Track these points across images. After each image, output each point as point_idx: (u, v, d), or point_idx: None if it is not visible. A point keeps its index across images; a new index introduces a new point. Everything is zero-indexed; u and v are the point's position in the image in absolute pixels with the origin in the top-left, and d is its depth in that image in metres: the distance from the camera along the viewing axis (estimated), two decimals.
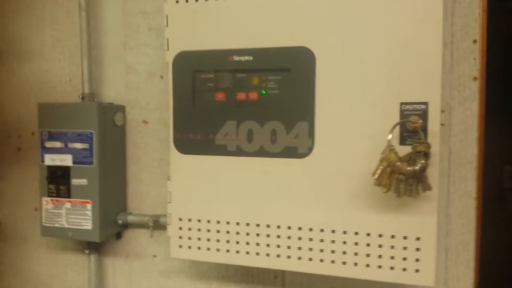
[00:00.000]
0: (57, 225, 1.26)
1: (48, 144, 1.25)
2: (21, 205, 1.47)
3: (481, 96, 1.01)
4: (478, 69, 1.01)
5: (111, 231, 1.29)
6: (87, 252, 1.34)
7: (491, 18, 1.01)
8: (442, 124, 1.05)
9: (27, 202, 1.46)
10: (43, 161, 1.26)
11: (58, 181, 1.24)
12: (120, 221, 1.29)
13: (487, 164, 2.19)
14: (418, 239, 0.91)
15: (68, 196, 1.24)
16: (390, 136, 0.83)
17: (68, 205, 1.24)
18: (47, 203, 1.27)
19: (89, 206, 1.22)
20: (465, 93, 1.03)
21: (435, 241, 0.90)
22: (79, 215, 1.23)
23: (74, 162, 1.22)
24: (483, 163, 1.05)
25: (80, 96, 1.28)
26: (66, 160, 1.23)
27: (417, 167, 0.81)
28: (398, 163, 0.81)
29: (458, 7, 1.02)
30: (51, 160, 1.25)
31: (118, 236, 1.36)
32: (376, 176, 0.82)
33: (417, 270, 0.92)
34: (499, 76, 2.09)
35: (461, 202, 1.06)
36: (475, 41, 1.02)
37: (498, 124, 2.14)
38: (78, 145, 1.21)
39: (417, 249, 0.91)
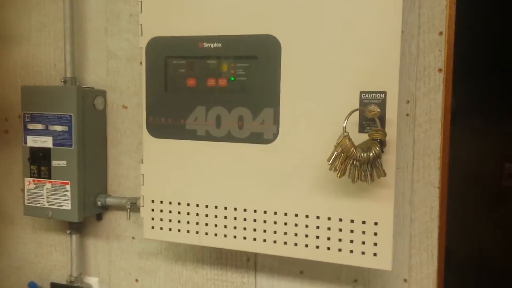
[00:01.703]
0: (38, 205, 1.30)
1: (31, 126, 1.28)
2: (8, 186, 1.51)
3: (447, 88, 1.03)
4: (443, 61, 1.03)
5: (90, 212, 1.32)
6: (68, 232, 1.37)
7: (459, 10, 1.02)
8: (407, 114, 1.07)
9: (13, 183, 1.50)
10: (25, 143, 1.29)
11: (39, 162, 1.28)
12: (99, 202, 1.32)
13: (486, 162, 2.20)
14: (376, 224, 0.94)
15: (49, 177, 1.27)
16: (345, 123, 0.85)
17: (48, 185, 1.28)
18: (29, 183, 1.31)
19: (68, 187, 1.25)
20: (430, 85, 1.05)
21: (392, 226, 0.92)
22: (59, 196, 1.27)
23: (54, 144, 1.26)
24: (449, 154, 1.07)
25: (62, 80, 1.31)
26: (47, 142, 1.26)
27: (370, 154, 0.83)
28: (352, 149, 0.83)
29: None
30: (33, 141, 1.28)
31: (99, 217, 1.40)
32: (331, 161, 0.85)
33: (375, 254, 0.95)
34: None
35: (425, 191, 1.08)
36: (441, 33, 1.03)
37: (499, 120, 2.14)
38: (58, 128, 1.24)
39: (375, 234, 0.94)
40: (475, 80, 2.09)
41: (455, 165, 1.09)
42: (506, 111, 2.16)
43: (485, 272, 2.26)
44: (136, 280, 1.39)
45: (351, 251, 0.96)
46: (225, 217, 1.04)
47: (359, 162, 0.84)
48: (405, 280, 1.13)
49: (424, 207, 1.09)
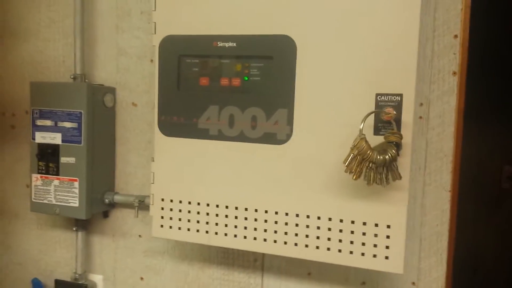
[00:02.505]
0: (45, 201, 1.30)
1: (39, 122, 1.28)
2: (14, 181, 1.50)
3: (460, 91, 1.03)
4: (458, 64, 1.03)
5: (97, 210, 1.32)
6: (74, 229, 1.37)
7: (474, 13, 1.02)
8: (420, 117, 1.07)
9: (19, 178, 1.49)
10: (34, 139, 1.29)
11: (47, 159, 1.27)
12: (106, 200, 1.32)
13: (486, 164, 2.21)
14: (388, 227, 0.93)
15: (57, 174, 1.27)
16: (361, 125, 0.85)
17: (56, 182, 1.27)
18: (36, 179, 1.30)
19: (76, 184, 1.25)
20: (444, 87, 1.05)
21: (405, 229, 0.92)
22: (66, 192, 1.26)
23: (63, 141, 1.25)
24: (461, 157, 1.07)
25: (72, 77, 1.30)
26: (55, 138, 1.26)
27: (387, 156, 0.83)
28: (369, 152, 0.83)
29: (441, 2, 1.03)
30: (41, 138, 1.28)
31: (105, 215, 1.39)
32: (347, 163, 0.84)
33: (386, 257, 0.94)
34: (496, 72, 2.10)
35: (436, 194, 1.08)
36: (456, 36, 1.03)
37: (499, 123, 2.15)
38: (68, 124, 1.24)
39: (388, 237, 0.94)
40: (480, 83, 2.10)
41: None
42: (506, 114, 2.16)
43: (483, 274, 2.27)
44: (141, 279, 1.38)
45: (363, 254, 0.95)
46: (236, 217, 1.04)
47: (375, 165, 0.84)
48: (413, 283, 1.13)
49: (435, 211, 1.09)
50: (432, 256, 1.11)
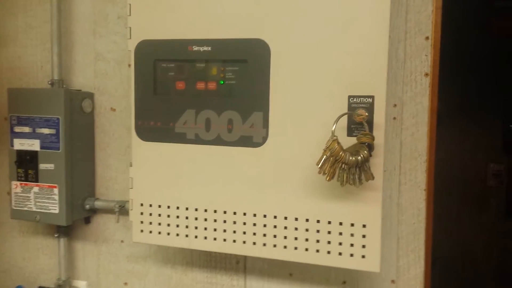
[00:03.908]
0: (26, 208, 1.29)
1: (17, 129, 1.27)
2: None
3: (433, 92, 1.05)
4: (429, 65, 1.05)
5: (78, 216, 1.31)
6: (56, 236, 1.36)
7: (445, 15, 1.04)
8: (394, 118, 1.09)
9: (0, 186, 1.48)
10: (12, 146, 1.28)
11: (26, 165, 1.27)
12: (87, 206, 1.32)
13: (470, 162, 2.23)
14: (364, 226, 0.95)
15: (36, 180, 1.26)
16: (334, 127, 0.86)
17: (36, 189, 1.27)
18: (16, 186, 1.29)
19: (56, 190, 1.24)
20: (417, 88, 1.07)
21: (380, 228, 0.93)
22: (46, 199, 1.26)
23: (41, 147, 1.24)
24: (435, 156, 1.09)
25: (50, 82, 1.30)
26: (34, 145, 1.25)
27: (359, 157, 0.84)
28: (341, 153, 0.84)
29: (413, 4, 1.05)
30: (19, 144, 1.27)
31: (87, 221, 1.39)
32: (320, 164, 0.85)
33: (363, 256, 0.96)
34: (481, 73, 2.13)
35: (412, 193, 1.10)
36: (427, 38, 1.05)
37: (483, 121, 2.18)
38: (46, 131, 1.23)
39: (364, 236, 0.95)
40: (458, 83, 2.12)
41: (441, 167, 1.11)
42: (490, 112, 2.20)
43: (469, 272, 2.30)
44: (125, 284, 1.38)
45: (340, 253, 0.97)
46: (215, 220, 1.04)
47: (347, 166, 0.85)
48: (393, 281, 1.14)
49: (411, 209, 1.10)
50: (410, 254, 1.12)
